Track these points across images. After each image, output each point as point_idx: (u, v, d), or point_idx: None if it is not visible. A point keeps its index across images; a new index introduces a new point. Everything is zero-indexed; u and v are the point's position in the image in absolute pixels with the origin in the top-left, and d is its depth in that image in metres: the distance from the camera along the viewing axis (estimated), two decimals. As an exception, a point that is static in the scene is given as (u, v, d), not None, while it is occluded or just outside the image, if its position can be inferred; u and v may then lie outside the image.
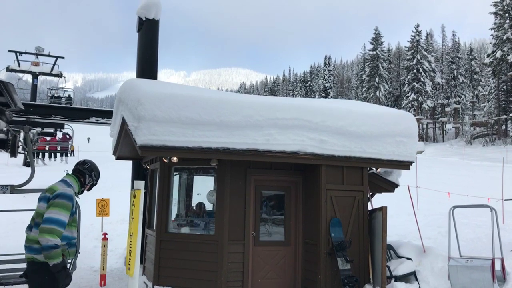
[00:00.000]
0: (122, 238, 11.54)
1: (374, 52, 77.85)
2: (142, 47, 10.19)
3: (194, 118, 6.58)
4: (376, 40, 78.84)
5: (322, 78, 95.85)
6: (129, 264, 5.05)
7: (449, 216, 7.57)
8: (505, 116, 57.95)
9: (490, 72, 61.02)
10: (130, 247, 5.15)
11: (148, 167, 9.04)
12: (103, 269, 7.97)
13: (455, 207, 7.61)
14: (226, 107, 6.82)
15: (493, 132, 59.60)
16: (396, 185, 8.75)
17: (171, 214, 7.87)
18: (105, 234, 8.37)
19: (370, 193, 8.45)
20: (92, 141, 54.46)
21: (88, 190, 4.83)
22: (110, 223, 13.86)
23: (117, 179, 22.33)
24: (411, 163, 8.08)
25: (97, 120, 10.55)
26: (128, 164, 10.26)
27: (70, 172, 4.69)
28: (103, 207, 12.99)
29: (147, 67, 10.06)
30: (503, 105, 59.53)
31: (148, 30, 10.17)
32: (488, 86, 64.41)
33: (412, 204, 9.35)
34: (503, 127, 59.32)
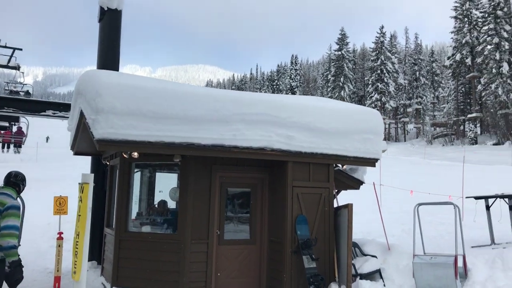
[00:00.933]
0: (81, 238, 11.03)
1: (340, 53, 78.96)
2: (103, 38, 9.75)
3: (156, 111, 6.29)
4: (342, 40, 79.99)
5: (289, 77, 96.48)
6: (75, 267, 4.67)
7: (413, 214, 7.60)
8: (463, 117, 60.06)
9: (450, 74, 63.09)
10: (77, 247, 4.79)
11: (108, 163, 8.65)
12: (58, 271, 7.55)
13: (419, 204, 7.64)
14: (191, 100, 6.56)
15: (452, 133, 61.69)
16: (362, 182, 8.74)
17: (132, 212, 7.54)
18: (60, 233, 7.93)
19: (336, 190, 8.40)
20: (51, 140, 52.21)
21: None
22: (69, 222, 13.20)
23: (77, 176, 21.51)
24: (376, 160, 8.07)
25: (54, 114, 9.98)
26: (89, 160, 9.80)
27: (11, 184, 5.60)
28: (61, 205, 12.37)
29: (109, 58, 9.63)
30: (462, 107, 61.69)
31: (110, 20, 9.74)
32: (448, 88, 66.58)
33: (378, 201, 9.37)
34: (461, 127, 61.47)
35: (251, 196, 7.82)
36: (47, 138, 52.77)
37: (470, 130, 55.95)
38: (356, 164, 8.15)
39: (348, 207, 7.39)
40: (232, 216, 7.76)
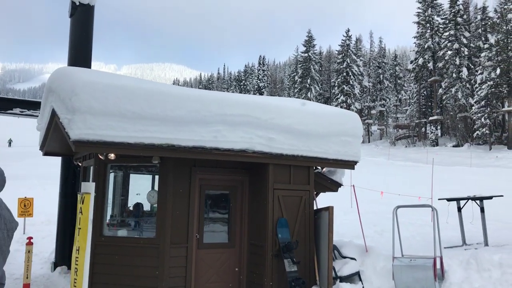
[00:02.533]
0: (48, 241, 10.60)
1: (307, 54, 79.63)
2: (75, 34, 9.35)
3: (135, 111, 6.07)
4: (309, 42, 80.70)
5: (256, 78, 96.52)
6: (75, 287, 4.29)
7: (393, 216, 7.67)
8: (425, 120, 61.97)
9: (413, 77, 64.92)
10: (76, 264, 4.35)
11: (80, 164, 8.30)
12: (27, 278, 7.16)
13: (398, 207, 7.72)
14: (171, 100, 6.37)
15: (414, 134, 63.54)
16: (340, 185, 8.76)
17: (107, 216, 7.25)
18: (30, 238, 7.52)
19: (315, 192, 8.38)
20: (14, 143, 49.68)
21: None
22: (34, 224, 12.74)
23: (43, 176, 20.75)
24: (356, 162, 8.12)
25: (22, 112, 9.46)
26: (57, 159, 9.38)
27: None
28: (26, 207, 11.88)
29: (81, 56, 9.24)
30: (423, 109, 63.65)
31: (82, 16, 9.36)
32: (410, 91, 68.51)
33: (357, 204, 9.44)
34: (423, 129, 63.40)
35: (231, 199, 7.69)
36: (10, 142, 49.96)
37: (431, 132, 57.82)
38: (336, 167, 8.17)
39: (329, 209, 7.39)
40: (212, 219, 7.60)
